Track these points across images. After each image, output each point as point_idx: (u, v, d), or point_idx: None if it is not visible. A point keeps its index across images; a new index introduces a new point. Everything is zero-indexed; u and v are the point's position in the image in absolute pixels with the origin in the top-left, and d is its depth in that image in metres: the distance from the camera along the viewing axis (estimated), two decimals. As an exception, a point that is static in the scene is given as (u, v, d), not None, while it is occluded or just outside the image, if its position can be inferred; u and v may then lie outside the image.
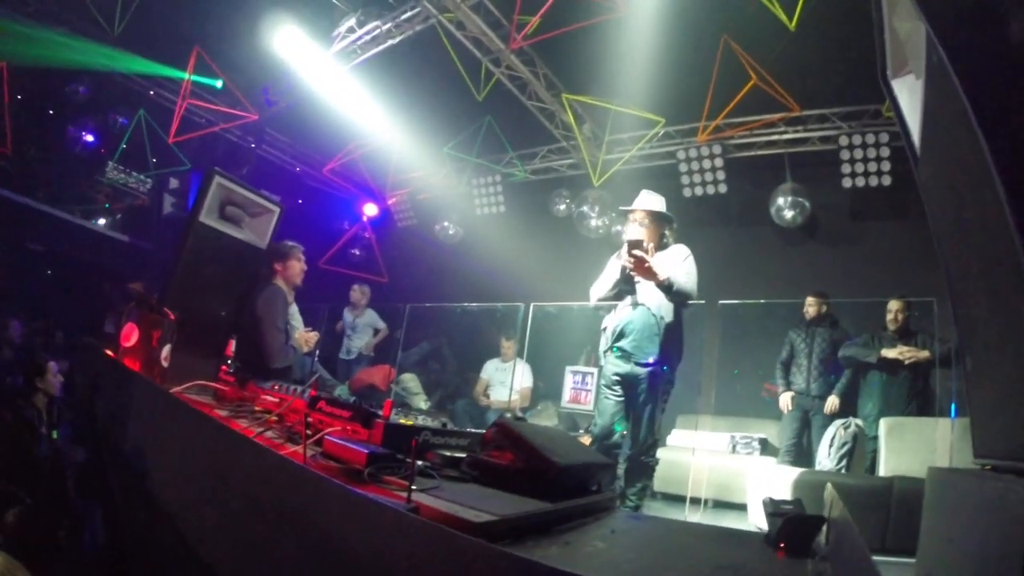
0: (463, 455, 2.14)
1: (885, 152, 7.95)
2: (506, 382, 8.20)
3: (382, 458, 1.84)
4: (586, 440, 5.23)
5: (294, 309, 5.70)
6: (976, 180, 1.80)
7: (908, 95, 2.94)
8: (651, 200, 4.84)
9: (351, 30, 8.68)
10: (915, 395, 6.24)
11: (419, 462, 2.00)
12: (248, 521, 1.46)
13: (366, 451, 1.85)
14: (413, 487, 1.58)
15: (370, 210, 12.60)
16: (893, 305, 6.52)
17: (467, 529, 1.42)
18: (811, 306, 7.08)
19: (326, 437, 2.05)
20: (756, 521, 5.45)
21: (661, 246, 4.76)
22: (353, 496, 1.14)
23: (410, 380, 8.54)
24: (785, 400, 6.94)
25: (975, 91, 1.73)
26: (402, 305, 8.50)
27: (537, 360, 8.53)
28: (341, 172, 12.22)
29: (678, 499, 6.66)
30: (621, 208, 5.09)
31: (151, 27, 8.88)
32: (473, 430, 2.46)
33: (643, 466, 4.63)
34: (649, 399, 4.53)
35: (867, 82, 3.47)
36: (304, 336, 5.50)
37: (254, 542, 1.42)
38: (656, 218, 4.80)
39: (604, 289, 4.78)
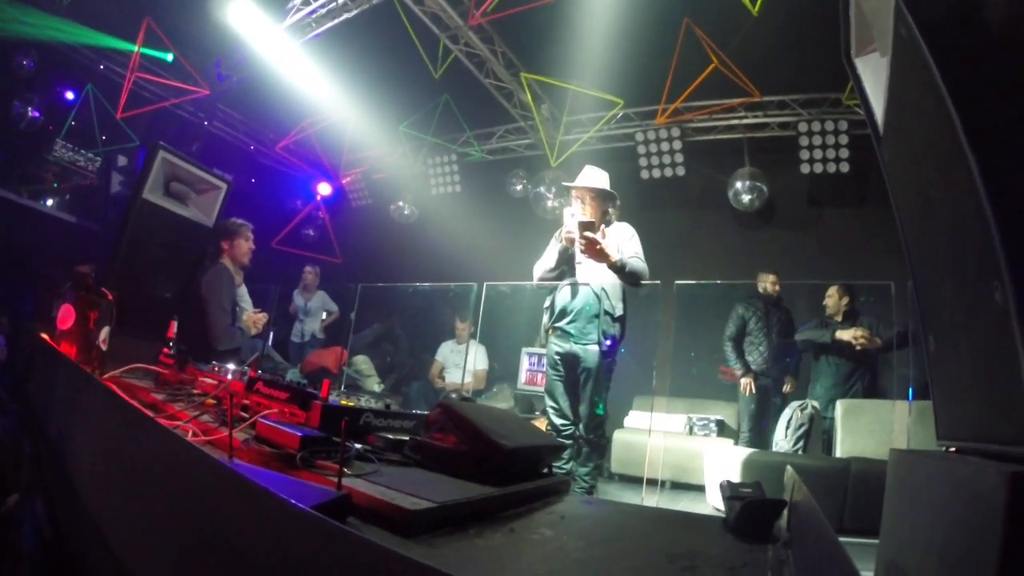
0: (407, 438, 2.04)
1: (844, 139, 8.03)
2: (461, 364, 8.12)
3: (316, 441, 1.73)
4: (543, 422, 5.17)
5: (243, 290, 5.52)
6: (944, 155, 1.73)
7: (872, 74, 2.88)
8: (595, 176, 4.78)
9: (306, 2, 8.45)
10: (862, 377, 6.34)
11: (359, 446, 1.89)
12: (163, 516, 1.34)
13: (299, 434, 1.74)
14: (346, 471, 1.48)
15: (324, 189, 12.38)
16: (830, 291, 6.60)
17: (402, 517, 1.32)
18: (771, 284, 7.04)
19: (259, 420, 1.93)
20: (714, 502, 5.45)
21: (604, 223, 4.72)
22: (256, 489, 1.01)
23: (363, 363, 8.41)
24: (747, 382, 6.89)
25: (946, 62, 1.65)
26: (354, 285, 8.34)
27: (492, 342, 8.46)
28: (295, 150, 11.99)
29: (635, 480, 6.65)
30: (564, 184, 5.04)
31: (101, -3, 8.59)
32: (419, 412, 2.36)
33: (592, 445, 4.60)
34: (591, 378, 4.49)
35: (828, 70, 3.44)
36: (252, 317, 5.30)
37: (169, 539, 1.30)
38: (599, 195, 4.73)
39: (546, 268, 4.73)
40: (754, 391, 6.86)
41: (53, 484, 2.53)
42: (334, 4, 8.22)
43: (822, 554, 1.13)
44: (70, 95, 10.23)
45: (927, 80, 1.72)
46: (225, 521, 1.08)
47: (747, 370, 6.93)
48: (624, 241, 4.61)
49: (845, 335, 6.27)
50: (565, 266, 4.69)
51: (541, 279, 4.79)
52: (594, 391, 4.50)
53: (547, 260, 4.75)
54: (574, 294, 4.63)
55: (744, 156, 8.69)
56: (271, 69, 9.30)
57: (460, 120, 10.33)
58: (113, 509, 1.60)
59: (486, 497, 1.62)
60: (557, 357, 4.64)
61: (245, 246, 5.17)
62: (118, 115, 9.66)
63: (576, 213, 4.60)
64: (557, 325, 4.67)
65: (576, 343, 4.56)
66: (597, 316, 4.53)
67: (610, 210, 4.81)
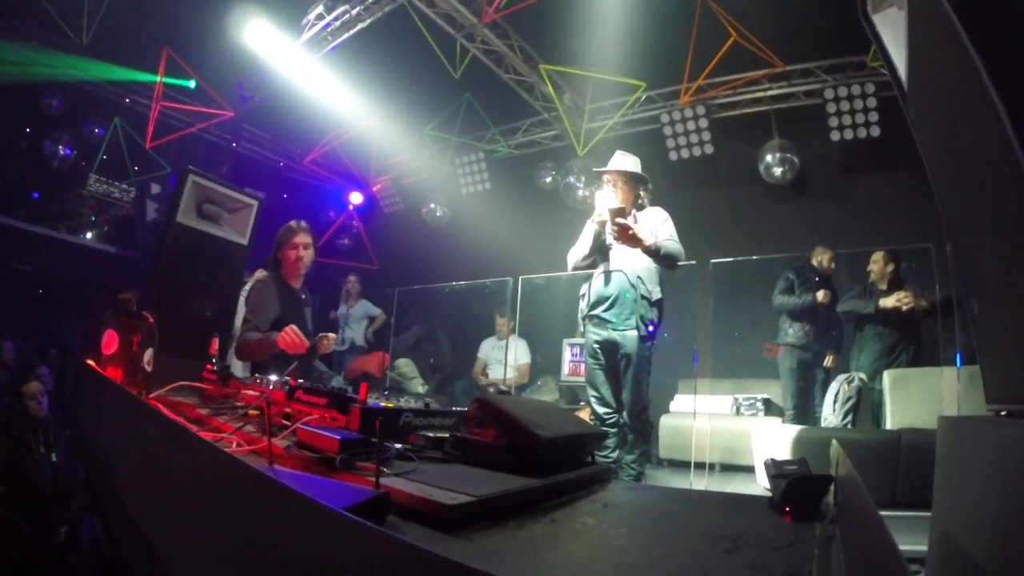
0: (447, 435, 2.05)
1: (872, 103, 7.85)
2: (503, 360, 8.15)
3: (355, 443, 1.74)
4: (587, 412, 5.15)
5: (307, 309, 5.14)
6: (971, 104, 1.68)
7: (891, 29, 2.82)
8: (625, 161, 4.76)
9: (320, 17, 8.55)
10: (908, 345, 6.21)
11: (399, 445, 1.90)
12: (205, 526, 1.36)
13: (338, 437, 1.75)
14: (385, 471, 1.49)
15: (355, 198, 12.53)
16: (875, 257, 6.46)
17: (441, 512, 1.33)
18: (828, 259, 6.90)
19: (299, 426, 1.95)
20: (764, 483, 5.39)
21: (636, 207, 4.68)
22: (291, 494, 1.02)
23: (405, 365, 8.47)
24: (823, 295, 6.66)
25: (962, 4, 1.61)
26: (391, 290, 8.40)
27: (533, 335, 8.49)
28: (323, 163, 12.17)
29: (684, 465, 6.60)
30: (595, 169, 5.01)
31: (119, 33, 8.78)
32: (459, 409, 2.36)
33: (637, 432, 4.59)
34: (631, 364, 4.47)
35: (849, 33, 3.36)
36: (323, 343, 5.02)
37: (211, 548, 1.32)
38: (631, 179, 4.71)
39: (580, 255, 4.71)
40: (826, 300, 6.66)
41: (106, 503, 2.58)
42: (348, 16, 8.29)
43: (864, 529, 1.10)
44: (99, 130, 10.46)
45: (946, 26, 1.68)
46: (263, 527, 1.10)
47: (814, 301, 6.69)
48: (658, 225, 4.58)
49: (888, 302, 6.13)
50: (599, 253, 4.68)
51: (576, 267, 4.78)
52: (635, 377, 4.48)
53: (581, 247, 4.72)
54: (609, 281, 4.60)
55: (772, 128, 8.57)
56: (292, 86, 9.45)
57: (484, 117, 10.36)
58: (160, 523, 1.63)
59: (526, 488, 1.61)
60: (596, 345, 4.62)
61: (292, 255, 4.76)
62: (147, 145, 9.90)
63: (607, 197, 4.58)
64: (594, 313, 4.65)
65: (614, 330, 4.54)
66: (634, 301, 4.50)
67: (642, 194, 4.79)
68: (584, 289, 4.80)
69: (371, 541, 0.86)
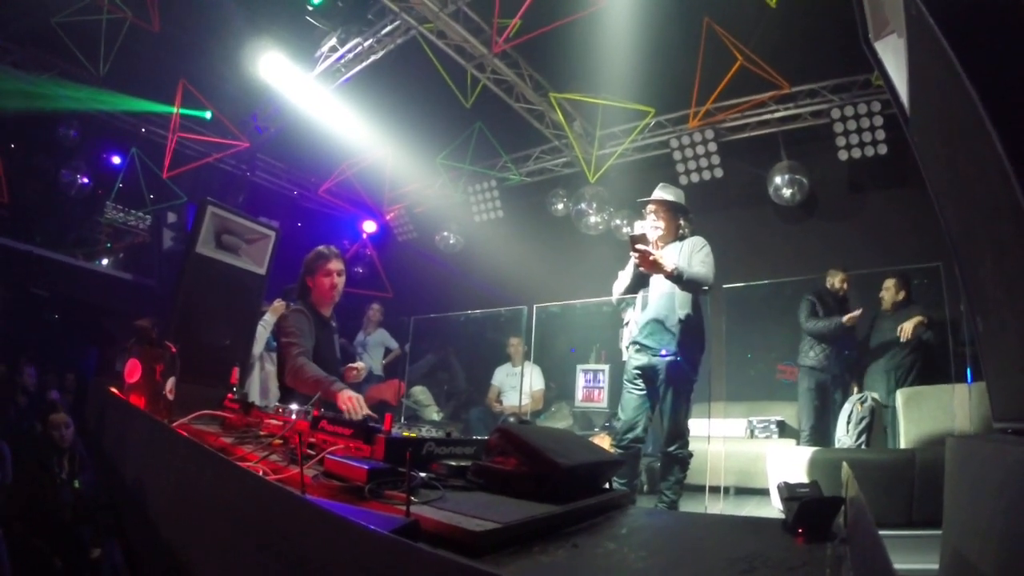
0: (469, 463, 2.10)
1: (878, 121, 7.87)
2: (517, 386, 8.16)
3: (382, 473, 1.80)
4: (603, 438, 5.19)
5: (334, 336, 4.90)
6: (969, 131, 1.74)
7: (893, 55, 2.89)
8: (666, 193, 4.89)
9: (333, 49, 8.71)
10: (916, 363, 6.27)
11: (423, 474, 1.95)
12: (247, 550, 1.42)
13: (366, 467, 1.80)
14: (413, 499, 1.54)
15: (369, 227, 12.63)
16: (887, 284, 6.59)
17: (469, 539, 1.38)
18: (839, 281, 6.97)
19: (327, 456, 2.00)
20: (779, 505, 5.37)
21: (678, 237, 4.80)
22: (334, 518, 1.09)
23: (420, 393, 8.51)
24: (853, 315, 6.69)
25: (957, 38, 1.67)
26: (407, 319, 8.44)
27: (547, 361, 8.49)
28: (337, 192, 12.30)
29: (699, 489, 6.58)
30: (638, 200, 5.10)
31: (136, 65, 8.93)
32: (479, 437, 2.41)
33: (673, 459, 4.63)
34: (669, 390, 4.54)
35: (854, 52, 3.43)
36: (351, 372, 4.89)
37: (252, 570, 1.38)
38: (671, 208, 4.80)
39: (623, 285, 4.86)
40: (852, 322, 6.68)
41: (132, 528, 2.63)
42: (360, 48, 8.46)
43: (868, 549, 1.16)
44: (116, 159, 10.67)
45: (942, 57, 1.74)
46: (307, 551, 1.16)
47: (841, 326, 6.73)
48: (694, 252, 4.69)
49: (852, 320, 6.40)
50: (640, 281, 4.83)
51: (620, 296, 4.94)
52: (675, 403, 4.56)
53: (623, 277, 4.88)
54: (649, 308, 4.75)
55: (780, 150, 8.63)
56: (306, 116, 9.63)
57: (496, 146, 10.46)
58: (199, 548, 1.69)
59: (548, 515, 1.66)
60: (636, 371, 4.71)
61: (326, 283, 4.54)
62: (164, 175, 10.02)
63: (638, 227, 4.71)
64: (636, 340, 4.76)
65: (654, 355, 4.63)
66: (673, 327, 4.62)
67: (682, 223, 4.89)
68: (628, 316, 4.91)
69: (418, 561, 0.92)
